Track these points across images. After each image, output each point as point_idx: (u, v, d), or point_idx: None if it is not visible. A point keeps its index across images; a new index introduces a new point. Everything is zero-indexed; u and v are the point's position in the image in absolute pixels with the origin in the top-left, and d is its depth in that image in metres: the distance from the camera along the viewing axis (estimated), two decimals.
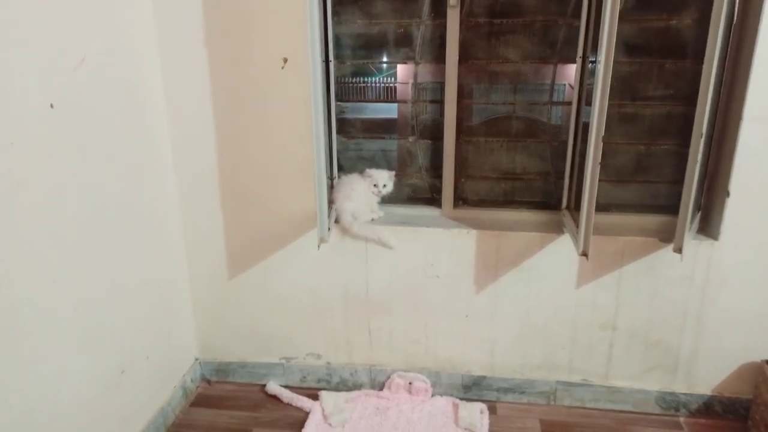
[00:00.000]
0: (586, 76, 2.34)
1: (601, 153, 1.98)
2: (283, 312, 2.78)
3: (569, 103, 2.46)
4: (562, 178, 2.56)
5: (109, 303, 2.16)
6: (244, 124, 2.49)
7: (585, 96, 2.36)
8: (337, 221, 2.56)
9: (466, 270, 2.58)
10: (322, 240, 2.26)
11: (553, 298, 2.56)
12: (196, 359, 2.90)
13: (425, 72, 2.57)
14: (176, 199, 2.63)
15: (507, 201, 2.69)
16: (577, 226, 2.24)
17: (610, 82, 1.89)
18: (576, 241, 2.20)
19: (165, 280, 2.60)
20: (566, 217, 2.49)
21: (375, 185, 2.55)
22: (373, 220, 2.62)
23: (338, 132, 2.68)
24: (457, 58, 2.44)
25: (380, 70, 2.61)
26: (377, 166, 2.69)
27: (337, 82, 2.63)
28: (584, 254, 2.13)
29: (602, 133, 1.96)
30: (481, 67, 2.53)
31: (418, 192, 2.76)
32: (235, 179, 2.59)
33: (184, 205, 2.65)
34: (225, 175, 2.58)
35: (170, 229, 2.62)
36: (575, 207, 2.47)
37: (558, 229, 2.50)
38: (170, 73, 2.45)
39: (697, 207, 2.41)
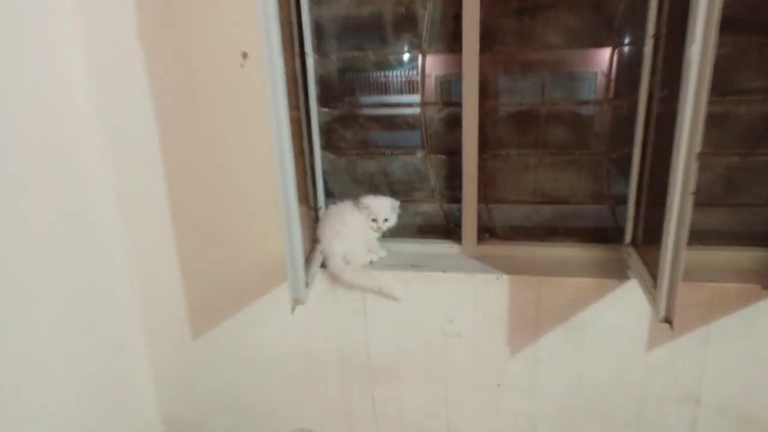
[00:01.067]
0: (659, 63, 1.68)
1: (695, 178, 1.33)
2: (265, 378, 2.19)
3: (633, 100, 1.79)
4: (624, 203, 1.90)
5: (30, 385, 1.66)
6: (198, 140, 1.90)
7: (658, 91, 1.70)
8: (324, 265, 1.96)
9: (496, 327, 1.95)
10: (296, 302, 1.65)
11: (615, 363, 1.92)
12: None
13: (443, 63, 1.94)
14: (119, 239, 2.05)
15: (549, 233, 2.04)
16: (653, 276, 1.60)
17: (711, 73, 1.26)
18: (653, 299, 1.56)
19: (112, 341, 2.06)
20: (632, 258, 1.83)
21: (374, 219, 1.94)
22: (371, 262, 2.01)
23: (325, 147, 2.06)
24: (478, 44, 1.80)
25: (401, 63, 1.98)
26: (376, 189, 2.08)
27: (353, 76, 2.02)
28: (668, 321, 1.49)
29: (697, 148, 1.32)
30: (510, 57, 1.89)
31: (431, 222, 2.13)
32: (191, 212, 2.00)
33: (130, 245, 2.07)
34: (178, 207, 2.00)
35: (113, 277, 2.05)
36: (644, 242, 1.82)
37: (620, 271, 1.85)
38: (98, 77, 1.87)
39: None
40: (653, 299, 1.57)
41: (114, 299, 2.06)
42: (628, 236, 1.90)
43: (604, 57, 1.84)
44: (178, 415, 2.31)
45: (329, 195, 2.12)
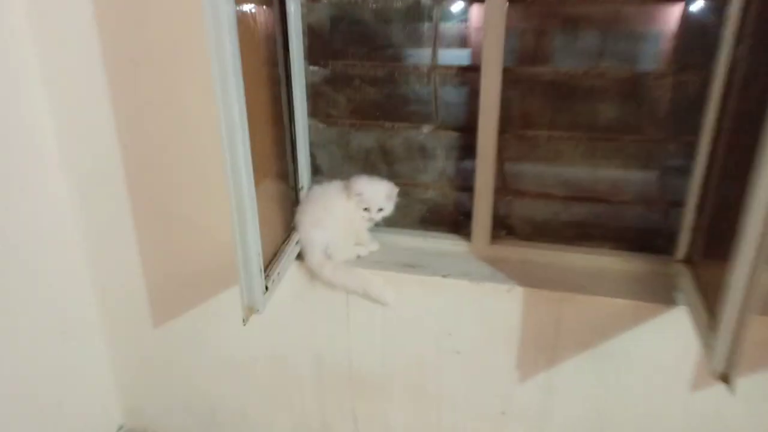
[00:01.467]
0: (749, 26, 1.24)
1: None
2: (232, 377, 1.90)
3: (706, 75, 1.36)
4: (681, 206, 1.49)
5: None
6: (156, 102, 1.57)
7: (744, 65, 1.26)
8: (301, 257, 1.63)
9: (503, 346, 1.59)
10: (250, 311, 1.33)
11: (649, 400, 1.55)
12: (120, 427, 2.09)
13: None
14: (69, 210, 1.76)
15: (581, 235, 1.65)
16: (710, 311, 1.21)
17: None
18: (707, 344, 1.17)
19: (63, 322, 1.80)
20: (684, 278, 1.43)
21: (365, 208, 1.59)
22: (359, 257, 1.66)
23: (313, 114, 1.70)
24: None
25: (447, 14, 1.57)
26: (372, 168, 1.72)
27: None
28: (724, 378, 1.11)
29: None
30: (548, 8, 1.47)
31: (436, 211, 1.76)
32: (150, 186, 1.68)
33: (81, 218, 1.77)
34: (134, 179, 1.68)
35: (64, 253, 1.77)
36: (703, 261, 1.42)
37: (666, 292, 1.45)
38: (40, 27, 1.55)
39: None
40: (707, 344, 1.18)
41: (64, 276, 1.78)
42: (681, 250, 1.49)
43: (669, 15, 1.40)
44: (138, 406, 2.05)
45: (316, 172, 1.77)
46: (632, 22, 1.42)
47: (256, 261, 1.29)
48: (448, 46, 1.58)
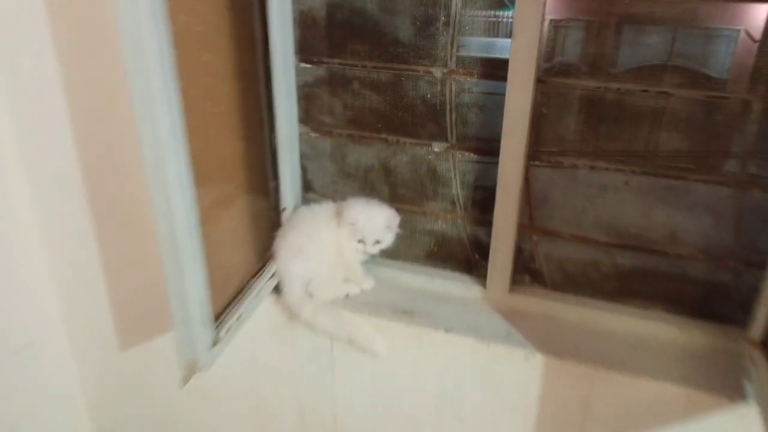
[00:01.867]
0: None
1: None
2: (207, 408, 1.66)
3: None
4: (759, 268, 1.13)
5: None
6: (114, 91, 1.32)
7: None
8: (279, 290, 1.36)
9: (517, 421, 1.29)
10: (191, 368, 1.07)
11: None
12: None
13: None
14: (30, 210, 1.53)
15: (623, 291, 1.31)
16: None
17: None
18: None
19: (30, 342, 1.60)
20: (757, 367, 1.09)
21: (360, 240, 1.30)
22: (348, 296, 1.38)
23: (304, 120, 1.42)
24: None
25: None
26: (371, 189, 1.43)
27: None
28: None
29: None
30: (598, 3, 1.14)
31: (446, 247, 1.46)
32: (110, 191, 1.45)
33: (44, 221, 1.55)
34: (93, 184, 1.44)
35: (27, 268, 1.56)
36: None
37: (730, 380, 1.12)
38: None
39: None
40: None
41: (28, 292, 1.58)
42: (756, 326, 1.14)
43: (753, 19, 1.05)
44: (109, 428, 1.85)
45: (308, 188, 1.49)
46: (711, 27, 1.07)
47: (199, 311, 1.03)
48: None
